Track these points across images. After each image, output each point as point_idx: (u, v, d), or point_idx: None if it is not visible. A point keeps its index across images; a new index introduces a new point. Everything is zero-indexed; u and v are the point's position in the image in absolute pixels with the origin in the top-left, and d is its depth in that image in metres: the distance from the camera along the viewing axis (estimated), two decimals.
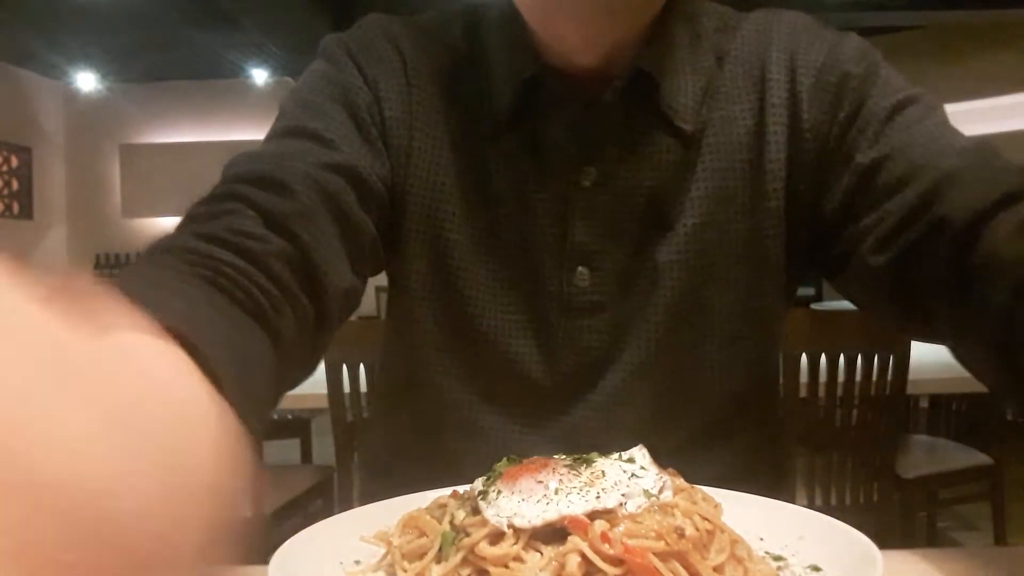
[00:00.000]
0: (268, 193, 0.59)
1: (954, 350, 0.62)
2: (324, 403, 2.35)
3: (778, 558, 0.51)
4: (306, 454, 3.50)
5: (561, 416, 0.73)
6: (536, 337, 0.73)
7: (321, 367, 2.31)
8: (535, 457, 0.51)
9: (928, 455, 2.60)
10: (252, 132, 8.31)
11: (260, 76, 7.28)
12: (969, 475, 2.54)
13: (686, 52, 0.72)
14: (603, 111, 0.70)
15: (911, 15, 5.30)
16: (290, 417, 3.45)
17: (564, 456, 0.51)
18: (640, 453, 0.51)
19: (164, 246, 0.54)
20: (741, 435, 0.77)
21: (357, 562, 0.52)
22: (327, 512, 2.66)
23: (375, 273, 0.75)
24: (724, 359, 0.73)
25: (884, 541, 0.50)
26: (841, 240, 0.68)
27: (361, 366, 2.29)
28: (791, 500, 0.83)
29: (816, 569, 0.49)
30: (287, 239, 0.58)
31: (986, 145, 0.64)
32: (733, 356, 0.74)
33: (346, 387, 2.30)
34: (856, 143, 0.67)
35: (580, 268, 0.72)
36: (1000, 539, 2.55)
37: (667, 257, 0.71)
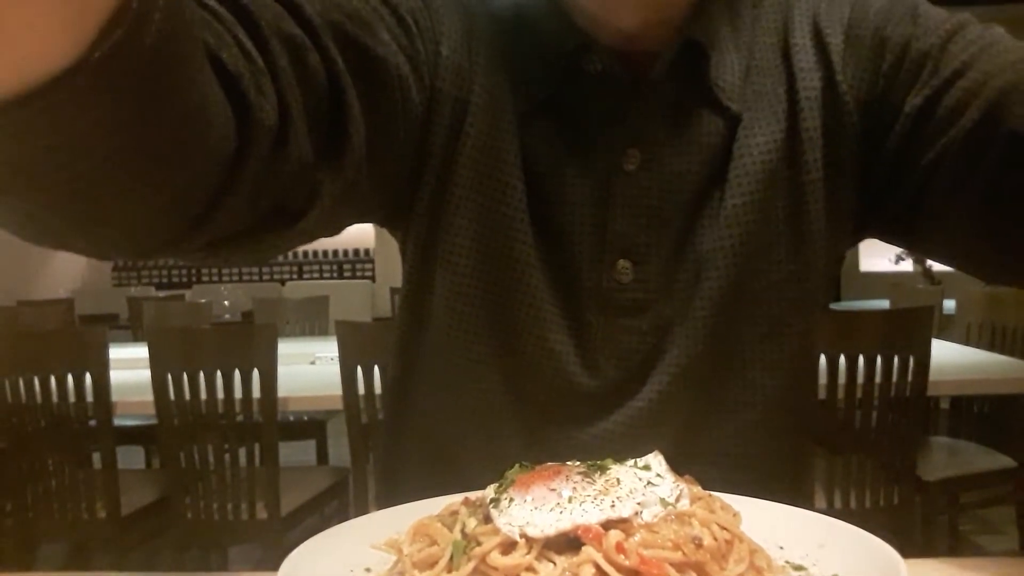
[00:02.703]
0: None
1: None
2: (336, 405, 2.35)
3: (799, 567, 0.50)
4: (322, 455, 3.50)
5: (596, 422, 0.70)
6: (573, 336, 0.69)
7: (336, 369, 2.33)
8: (548, 464, 0.50)
9: (950, 457, 2.57)
10: None
11: None
12: (992, 478, 2.50)
13: (727, 29, 0.70)
14: (651, 88, 0.67)
15: None
16: (306, 419, 3.46)
17: (577, 463, 0.50)
18: (656, 460, 0.50)
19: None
20: (777, 435, 0.74)
21: (368, 570, 0.51)
22: (342, 513, 2.68)
23: (379, 207, 0.68)
24: (766, 352, 0.70)
25: (905, 546, 0.49)
26: (903, 192, 0.65)
27: (375, 368, 2.29)
28: (810, 502, 0.81)
29: None
30: (314, 40, 0.51)
31: None
32: (775, 349, 0.70)
33: (361, 388, 2.30)
34: (907, 88, 0.64)
35: (621, 261, 0.68)
36: None
37: (711, 245, 0.68)
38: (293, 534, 2.47)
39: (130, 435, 3.19)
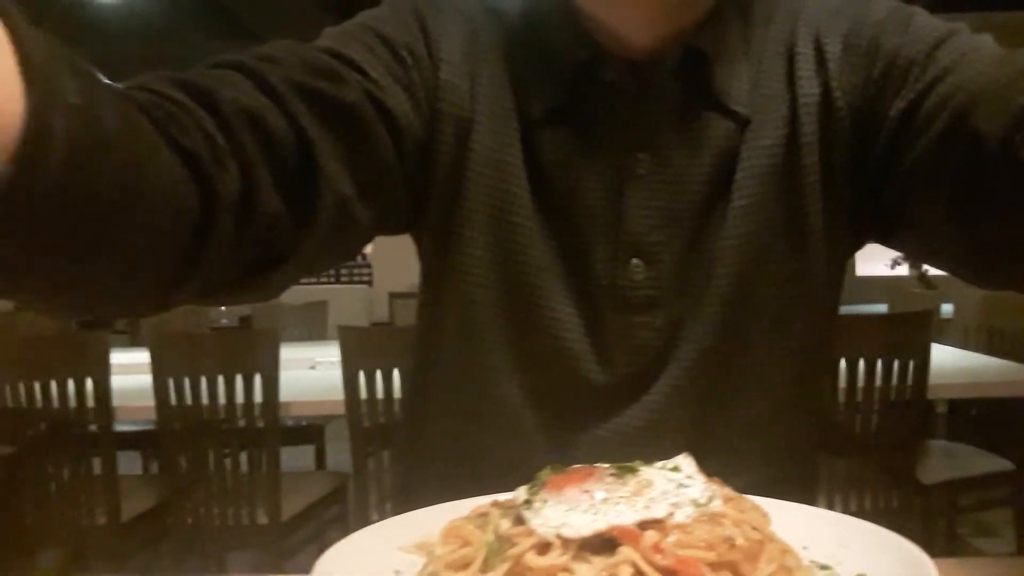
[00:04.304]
0: (273, 65, 0.59)
1: None
2: (338, 410, 2.35)
3: (824, 567, 0.51)
4: (320, 461, 3.50)
5: (612, 417, 0.72)
6: (589, 334, 0.71)
7: (337, 375, 2.32)
8: (578, 466, 0.51)
9: (948, 460, 2.58)
10: None
11: None
12: (990, 480, 2.52)
13: (739, 40, 0.72)
14: (657, 94, 0.70)
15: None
16: (304, 424, 3.45)
17: (607, 465, 0.51)
18: (686, 461, 0.51)
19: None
20: (785, 431, 0.76)
21: (397, 572, 0.51)
22: (343, 519, 2.66)
23: (392, 228, 0.72)
24: (773, 347, 0.72)
25: None
26: (890, 196, 0.66)
27: (378, 372, 2.29)
28: (814, 501, 0.83)
29: None
30: (279, 105, 0.56)
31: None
32: (780, 344, 0.72)
33: (363, 393, 2.30)
34: (894, 94, 0.66)
35: (634, 260, 0.70)
36: (1023, 546, 2.53)
37: (720, 243, 0.70)
38: (293, 539, 2.47)
39: (127, 440, 3.18)
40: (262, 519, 2.32)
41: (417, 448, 0.82)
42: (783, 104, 0.70)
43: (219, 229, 0.51)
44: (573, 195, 0.71)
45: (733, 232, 0.70)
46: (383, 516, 0.50)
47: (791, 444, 0.77)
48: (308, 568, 0.47)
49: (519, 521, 0.47)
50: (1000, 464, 2.53)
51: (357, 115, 0.63)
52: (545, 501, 0.47)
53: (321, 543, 2.95)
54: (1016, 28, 5.38)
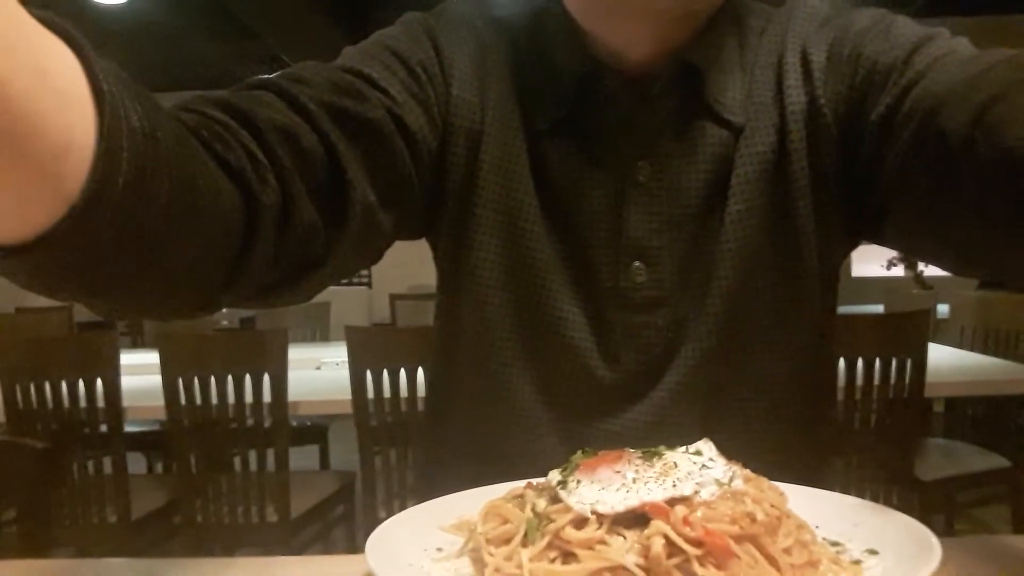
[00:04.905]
0: (302, 85, 0.63)
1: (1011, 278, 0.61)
2: (345, 409, 2.39)
3: (835, 543, 0.55)
4: (324, 461, 3.53)
5: (621, 413, 0.75)
6: (595, 333, 0.75)
7: (343, 375, 2.35)
8: (608, 450, 0.54)
9: (946, 458, 2.62)
10: None
11: None
12: (987, 478, 2.56)
13: (734, 52, 0.76)
14: (653, 105, 0.73)
15: (919, 21, 5.32)
16: (309, 424, 3.48)
17: (634, 450, 0.54)
18: (707, 446, 0.55)
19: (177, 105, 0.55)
20: (787, 427, 0.78)
21: (439, 549, 0.55)
22: (349, 517, 2.67)
23: (410, 233, 0.76)
24: (772, 344, 0.75)
25: None
26: (875, 197, 0.69)
27: (384, 372, 2.32)
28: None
29: (873, 552, 0.52)
30: (309, 122, 0.60)
31: (996, 52, 0.60)
32: (779, 341, 0.75)
33: (370, 393, 2.34)
34: (874, 100, 0.68)
35: (636, 263, 0.74)
36: None
37: (719, 246, 0.73)
38: (302, 537, 2.51)
39: (132, 441, 3.20)
40: (271, 517, 2.36)
41: (439, 442, 0.86)
42: (774, 112, 0.74)
43: (262, 237, 0.55)
44: (577, 201, 0.75)
45: (731, 235, 0.73)
46: (390, 513, 0.54)
47: (792, 440, 0.80)
48: None
49: (555, 500, 0.51)
50: (996, 461, 2.58)
51: (379, 130, 0.67)
52: (579, 482, 0.50)
53: (328, 541, 2.99)
54: (1016, 30, 5.43)
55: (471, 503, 0.58)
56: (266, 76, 0.65)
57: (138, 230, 0.43)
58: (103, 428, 2.37)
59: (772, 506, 0.50)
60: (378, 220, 0.67)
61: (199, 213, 0.48)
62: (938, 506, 2.52)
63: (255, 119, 0.57)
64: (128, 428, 3.01)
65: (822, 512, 0.58)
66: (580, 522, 0.48)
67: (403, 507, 0.57)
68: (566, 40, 0.76)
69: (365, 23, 5.07)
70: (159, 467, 3.53)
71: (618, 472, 0.50)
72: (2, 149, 0.35)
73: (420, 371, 2.31)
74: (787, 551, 0.48)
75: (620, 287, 0.74)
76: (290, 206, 0.58)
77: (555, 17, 0.78)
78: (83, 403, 2.35)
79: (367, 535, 0.52)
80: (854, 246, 0.79)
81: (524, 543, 0.49)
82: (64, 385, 2.34)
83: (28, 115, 0.35)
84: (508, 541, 0.50)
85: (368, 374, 2.33)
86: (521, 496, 0.54)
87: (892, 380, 2.25)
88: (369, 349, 2.34)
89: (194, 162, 0.48)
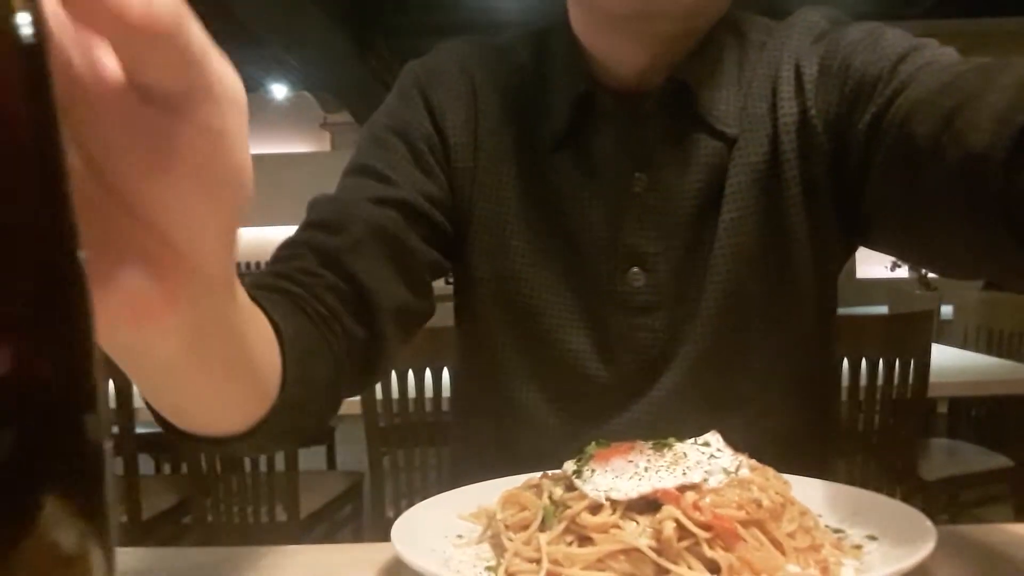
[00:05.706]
0: (325, 234, 0.70)
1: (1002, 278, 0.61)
2: (354, 409, 2.41)
3: (837, 530, 0.57)
4: (331, 461, 3.57)
5: (622, 413, 0.78)
6: (593, 336, 0.79)
7: None
8: (621, 442, 0.57)
9: (949, 458, 2.64)
10: (271, 146, 8.41)
11: (279, 91, 7.39)
12: (991, 477, 2.58)
13: (732, 66, 0.79)
14: (647, 120, 0.77)
15: (928, 24, 5.36)
16: None
17: (645, 441, 0.57)
18: (714, 438, 0.58)
19: (254, 282, 0.65)
20: (785, 430, 0.80)
21: (460, 536, 0.58)
22: (358, 516, 2.70)
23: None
24: (768, 347, 0.77)
25: None
26: (866, 203, 0.70)
27: (394, 373, 2.35)
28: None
29: (872, 538, 0.55)
30: (337, 271, 0.68)
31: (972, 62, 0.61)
32: (775, 344, 0.78)
33: (378, 394, 2.37)
34: (862, 109, 0.69)
35: (633, 269, 0.77)
36: None
37: (713, 253, 0.76)
38: (311, 536, 2.53)
39: (143, 443, 3.23)
40: (281, 516, 2.39)
41: (462, 441, 0.91)
42: (767, 123, 0.76)
43: (347, 368, 0.66)
44: (577, 213, 0.79)
45: (725, 242, 0.76)
46: (398, 513, 0.57)
47: (797, 439, 0.81)
48: None
49: (570, 488, 0.54)
50: (999, 461, 2.60)
51: (409, 248, 0.75)
52: (593, 471, 0.53)
53: (336, 540, 3.02)
54: (1015, 33, 5.46)
55: (489, 493, 0.61)
56: (316, 237, 0.71)
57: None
58: (115, 429, 2.40)
59: (777, 493, 0.52)
60: (413, 309, 0.75)
61: (320, 379, 0.60)
62: (942, 506, 2.54)
63: (314, 288, 0.66)
64: (139, 430, 3.06)
65: (824, 501, 0.61)
66: (595, 508, 0.51)
67: (411, 507, 0.61)
68: (567, 59, 0.80)
69: (371, 24, 5.11)
70: (167, 469, 3.56)
71: (631, 461, 0.53)
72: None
73: (428, 372, 2.34)
74: (791, 535, 0.51)
75: (618, 291, 0.78)
76: (351, 343, 0.67)
77: (560, 37, 0.82)
78: None
79: (374, 534, 0.55)
80: (852, 251, 0.81)
81: (542, 528, 0.52)
82: None
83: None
84: (526, 527, 0.53)
85: None
86: (538, 485, 0.57)
87: (896, 381, 2.27)
88: None
89: (315, 354, 0.60)
